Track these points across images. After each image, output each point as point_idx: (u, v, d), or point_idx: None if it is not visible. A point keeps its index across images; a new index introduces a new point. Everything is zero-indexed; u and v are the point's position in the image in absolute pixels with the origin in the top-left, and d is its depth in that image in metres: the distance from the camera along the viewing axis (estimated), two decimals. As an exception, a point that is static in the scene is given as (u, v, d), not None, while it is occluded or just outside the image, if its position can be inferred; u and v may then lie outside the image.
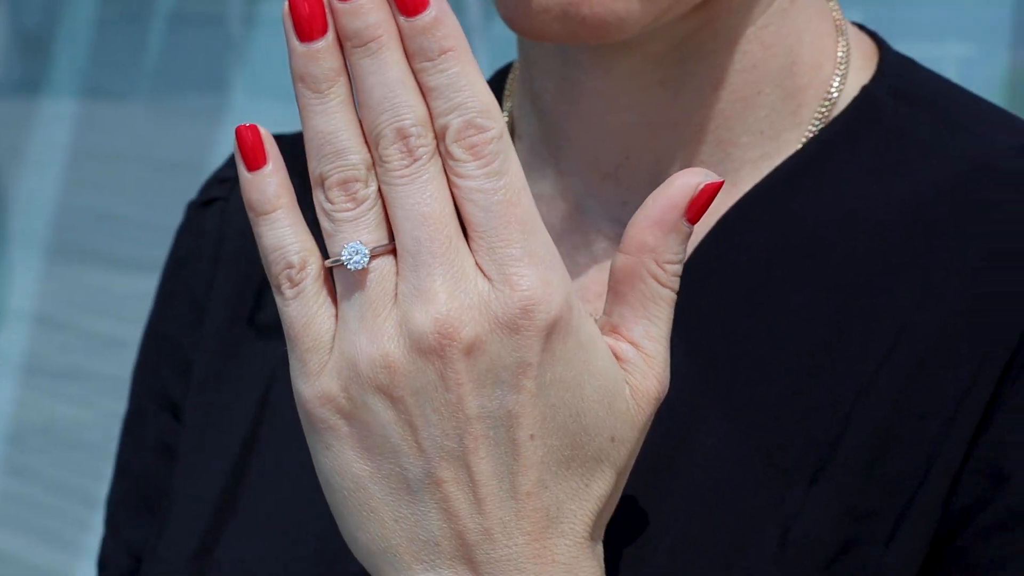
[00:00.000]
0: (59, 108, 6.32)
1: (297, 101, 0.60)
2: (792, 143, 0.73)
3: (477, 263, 0.59)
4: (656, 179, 0.73)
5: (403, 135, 0.59)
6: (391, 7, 0.59)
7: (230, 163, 0.88)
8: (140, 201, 6.84)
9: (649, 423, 0.62)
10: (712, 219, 0.72)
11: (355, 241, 0.59)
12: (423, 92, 0.59)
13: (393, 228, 0.59)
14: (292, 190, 0.61)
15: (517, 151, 0.77)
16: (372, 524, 0.60)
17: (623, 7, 0.66)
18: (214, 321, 0.82)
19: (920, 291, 0.68)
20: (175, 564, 0.77)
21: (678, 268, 0.62)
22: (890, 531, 0.65)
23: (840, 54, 0.74)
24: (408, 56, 0.59)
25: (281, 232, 0.60)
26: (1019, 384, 0.65)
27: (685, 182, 0.61)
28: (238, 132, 0.61)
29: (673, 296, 0.62)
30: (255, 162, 0.60)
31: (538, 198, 0.76)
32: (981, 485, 0.65)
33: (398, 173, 0.59)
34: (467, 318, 0.58)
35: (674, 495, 0.68)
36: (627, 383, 0.61)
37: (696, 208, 0.61)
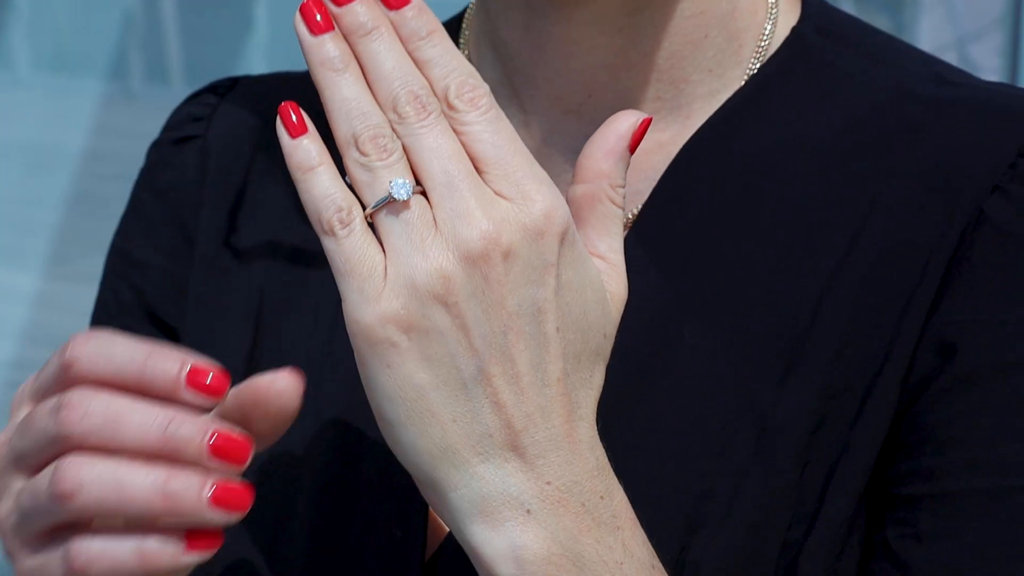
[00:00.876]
0: None
1: (319, 84, 0.71)
2: (736, 79, 0.83)
3: (494, 190, 0.69)
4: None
5: (415, 95, 0.70)
6: (379, 7, 0.71)
7: (197, 102, 0.95)
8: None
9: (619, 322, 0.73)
10: (673, 149, 0.82)
11: (396, 178, 0.69)
12: (419, 67, 0.71)
13: (420, 171, 0.69)
14: (328, 152, 0.70)
15: None
16: (433, 428, 0.68)
17: None
18: (202, 252, 0.90)
19: (866, 201, 0.79)
20: None
21: (624, 191, 0.73)
22: (858, 407, 0.76)
23: (770, 1, 0.84)
24: (402, 40, 0.71)
25: (327, 183, 0.70)
26: (961, 275, 0.76)
27: (626, 119, 0.73)
28: (281, 108, 0.71)
29: (623, 214, 0.73)
30: (298, 130, 0.70)
31: None
32: (932, 360, 0.76)
33: (418, 124, 0.69)
34: (502, 228, 0.68)
35: (664, 390, 0.78)
36: (607, 290, 0.72)
37: (636, 140, 0.73)
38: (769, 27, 0.84)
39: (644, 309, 0.78)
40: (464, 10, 0.90)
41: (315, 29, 0.71)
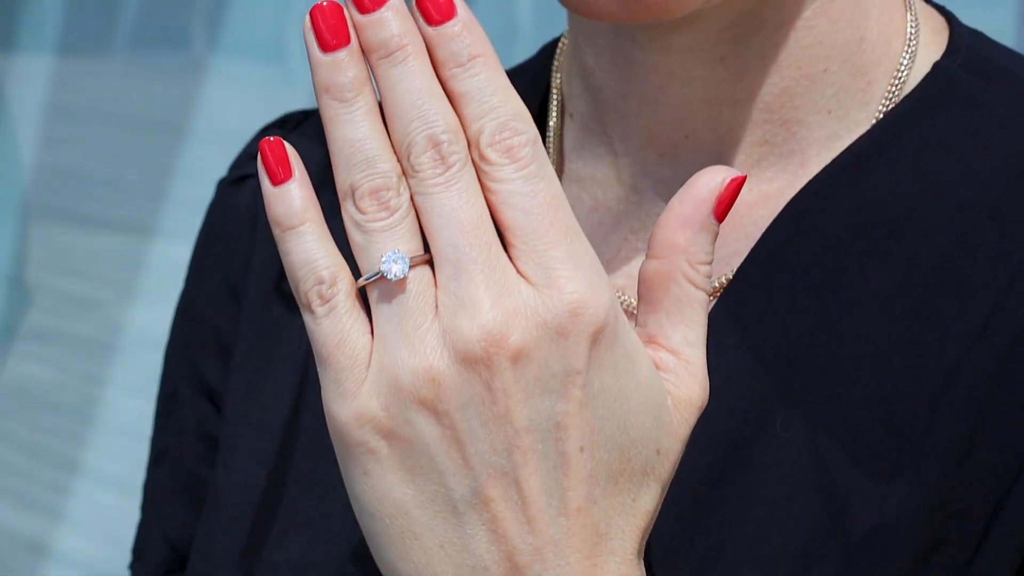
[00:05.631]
0: (33, 65, 6.28)
1: (322, 115, 0.58)
2: (862, 123, 0.70)
3: (518, 269, 0.57)
4: (718, 159, 0.70)
5: (435, 142, 0.57)
6: (415, 17, 0.58)
7: (260, 137, 0.84)
8: (113, 161, 6.79)
9: (689, 433, 0.60)
10: (781, 203, 0.69)
11: (393, 250, 0.57)
12: (452, 100, 0.58)
13: (429, 238, 0.57)
14: (318, 204, 0.59)
15: (568, 130, 0.74)
16: (415, 552, 0.57)
17: None
18: (251, 301, 0.79)
19: (1007, 275, 0.65)
20: (223, 563, 0.73)
21: (709, 269, 0.60)
22: (982, 530, 0.62)
23: (910, 29, 0.71)
24: (436, 64, 0.58)
25: (309, 247, 0.58)
26: None
27: (710, 179, 0.60)
28: (261, 146, 0.59)
29: (707, 299, 0.60)
30: (281, 175, 0.59)
31: (592, 179, 0.73)
32: None
33: (432, 181, 0.57)
34: (513, 325, 0.56)
35: (749, 490, 0.65)
36: (668, 393, 0.59)
37: (723, 205, 0.60)
38: (906, 61, 0.70)
39: (730, 394, 0.66)
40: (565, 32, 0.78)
41: (326, 43, 0.58)
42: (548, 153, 0.74)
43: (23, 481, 4.17)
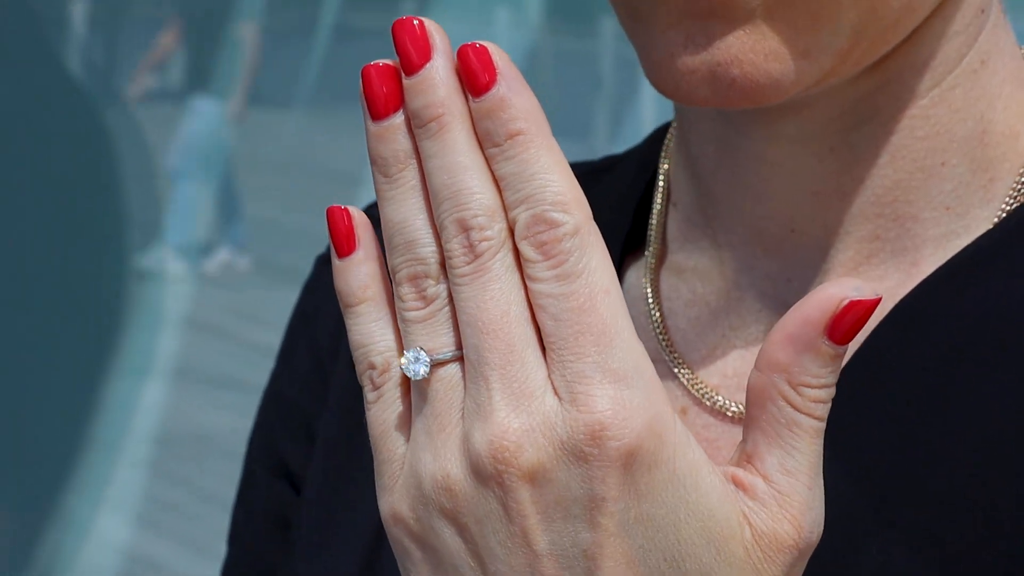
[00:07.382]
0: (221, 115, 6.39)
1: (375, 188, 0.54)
2: (983, 221, 0.65)
3: (551, 378, 0.52)
4: (824, 255, 0.66)
5: (465, 227, 0.53)
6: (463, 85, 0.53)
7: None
8: (299, 210, 6.87)
9: (790, 573, 0.53)
10: (888, 304, 0.64)
11: (416, 347, 0.53)
12: (496, 183, 0.53)
13: (461, 335, 0.53)
14: (384, 280, 0.55)
15: (672, 219, 0.70)
16: None
17: (778, 68, 0.59)
18: (340, 386, 0.76)
19: None
20: None
21: (819, 393, 0.53)
22: None
23: None
24: (479, 141, 0.53)
25: (365, 328, 0.55)
26: None
27: (827, 295, 0.53)
28: (330, 215, 0.55)
29: (816, 425, 0.53)
30: (345, 248, 0.55)
31: (693, 271, 0.69)
32: None
33: (460, 271, 0.53)
34: (527, 441, 0.51)
35: None
36: (749, 524, 0.53)
37: (841, 327, 0.53)
38: None
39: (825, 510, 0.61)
40: None
41: (375, 109, 0.53)
42: (649, 241, 0.70)
43: (194, 525, 4.21)
